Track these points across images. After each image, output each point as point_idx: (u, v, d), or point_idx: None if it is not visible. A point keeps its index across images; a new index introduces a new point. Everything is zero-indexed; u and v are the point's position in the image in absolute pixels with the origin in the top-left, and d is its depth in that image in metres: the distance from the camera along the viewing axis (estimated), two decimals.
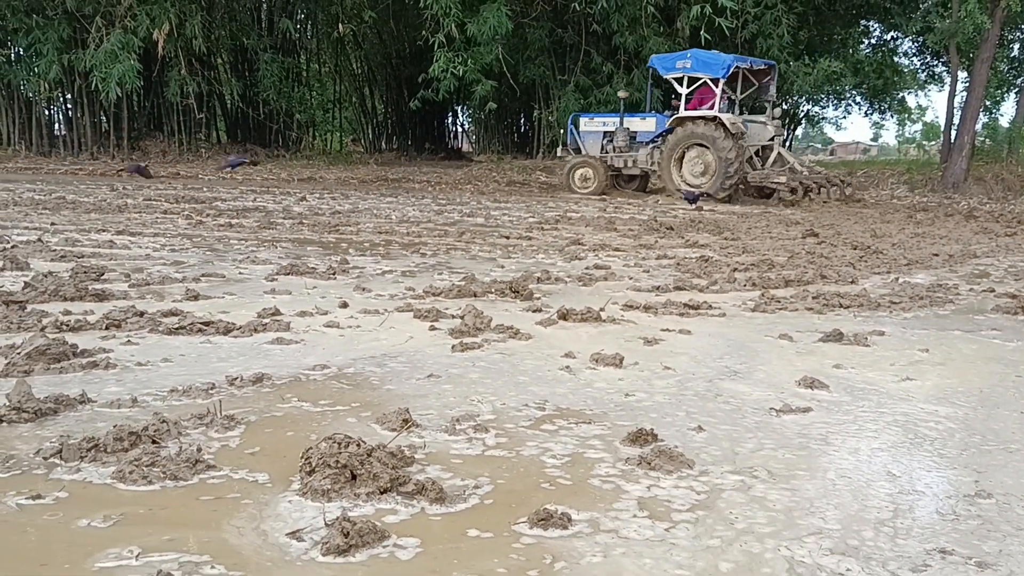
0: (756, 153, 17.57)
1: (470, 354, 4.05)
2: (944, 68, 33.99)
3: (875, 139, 72.49)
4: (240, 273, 6.37)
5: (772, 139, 17.63)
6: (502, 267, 7.23)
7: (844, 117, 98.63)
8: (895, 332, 4.95)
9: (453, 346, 4.16)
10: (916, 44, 33.82)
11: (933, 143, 40.70)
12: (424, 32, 22.32)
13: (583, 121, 19.47)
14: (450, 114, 37.28)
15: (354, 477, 2.38)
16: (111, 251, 7.28)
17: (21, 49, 24.56)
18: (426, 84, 23.74)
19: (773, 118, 17.80)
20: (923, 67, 37.51)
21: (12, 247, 7.10)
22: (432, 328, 4.60)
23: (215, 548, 2.02)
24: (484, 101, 23.12)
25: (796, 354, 4.33)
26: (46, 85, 24.18)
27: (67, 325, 4.27)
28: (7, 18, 23.21)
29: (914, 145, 48.99)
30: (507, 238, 9.56)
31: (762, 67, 17.67)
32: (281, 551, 2.03)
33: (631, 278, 6.81)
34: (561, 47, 27.41)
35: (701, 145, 16.88)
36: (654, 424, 3.00)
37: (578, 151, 19.17)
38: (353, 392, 3.37)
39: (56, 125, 27.51)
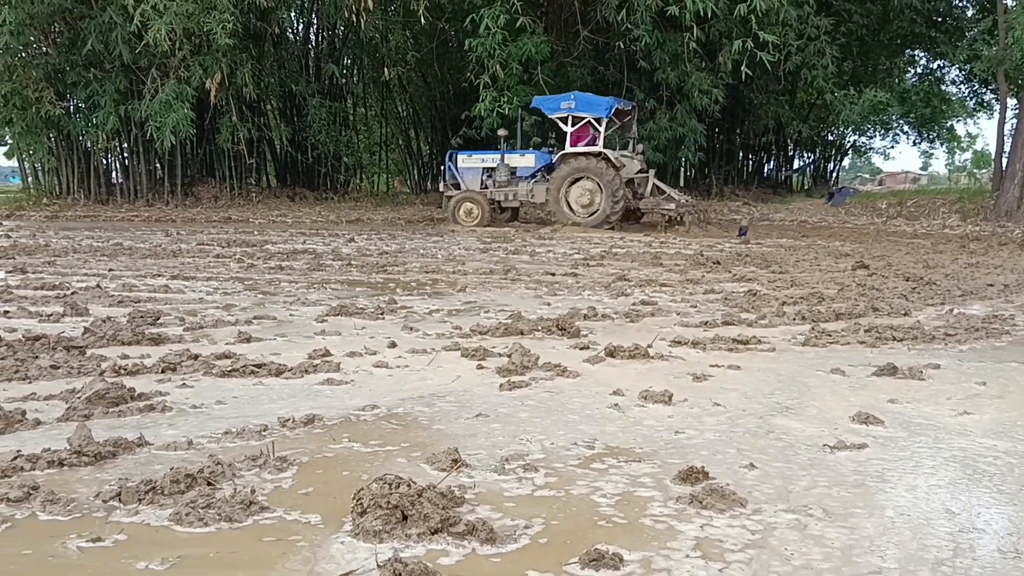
0: (628, 184, 18.94)
1: (518, 393, 4.06)
2: (993, 96, 33.47)
3: (925, 168, 71.44)
4: (291, 315, 6.47)
5: (640, 171, 19.18)
6: (548, 304, 7.24)
7: (892, 147, 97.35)
8: (951, 365, 4.85)
9: (501, 385, 4.17)
10: (963, 72, 33.40)
11: (984, 171, 39.98)
12: (468, 74, 22.65)
13: (461, 158, 20.48)
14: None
15: (405, 518, 2.39)
16: (166, 295, 7.45)
17: (81, 101, 25.41)
18: (469, 123, 24.02)
19: (637, 153, 19.51)
20: (971, 95, 36.99)
21: (72, 293, 7.30)
22: (479, 367, 4.62)
23: None
24: (529, 136, 23.36)
25: (849, 389, 4.27)
26: (104, 135, 24.97)
27: (125, 369, 4.37)
28: (67, 72, 24.05)
29: (965, 173, 48.22)
30: (552, 275, 9.58)
31: (629, 108, 19.35)
32: None
33: (679, 313, 6.77)
34: (603, 84, 27.58)
35: (587, 178, 18.29)
36: (705, 462, 2.97)
37: (457, 186, 20.15)
38: (403, 432, 3.40)
39: (113, 173, 28.29)
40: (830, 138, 39.56)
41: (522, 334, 5.62)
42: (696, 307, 7.15)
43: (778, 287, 8.60)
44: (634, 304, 7.20)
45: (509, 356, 4.68)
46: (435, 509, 2.41)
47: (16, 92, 23.16)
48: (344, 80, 30.15)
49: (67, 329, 5.51)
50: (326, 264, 10.49)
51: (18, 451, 2.94)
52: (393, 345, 5.17)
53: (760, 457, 3.11)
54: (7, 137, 27.30)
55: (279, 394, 4.01)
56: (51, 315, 6.09)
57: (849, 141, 39.84)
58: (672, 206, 18.42)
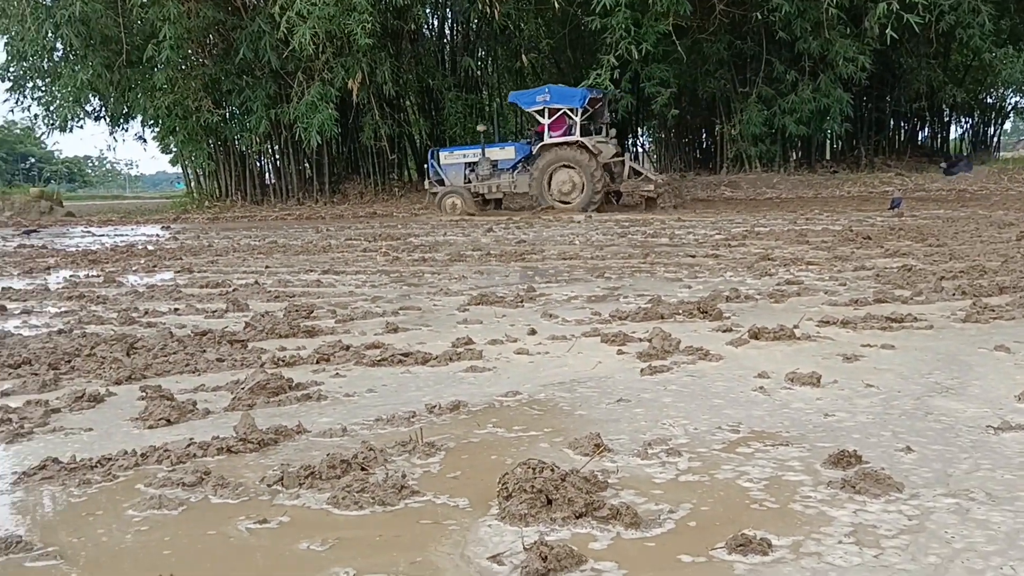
0: (605, 168, 19.74)
1: (659, 377, 4.03)
2: None
3: None
4: (434, 305, 6.65)
5: (616, 155, 20.24)
6: (689, 287, 7.13)
7: None
8: None
9: (642, 369, 4.16)
10: None
11: None
12: (600, 56, 22.51)
13: (443, 155, 21.50)
14: (630, 135, 37.21)
15: (550, 502, 2.43)
16: (318, 289, 7.81)
17: (235, 108, 26.91)
18: None
19: (611, 138, 20.60)
20: None
21: (233, 290, 7.76)
22: (620, 352, 4.62)
23: (421, 570, 2.13)
24: (666, 111, 23.01)
25: (1015, 367, 4.01)
26: (256, 139, 26.36)
27: (283, 360, 4.62)
28: (222, 81, 25.51)
29: None
30: (693, 257, 9.42)
31: (599, 96, 20.12)
32: (483, 574, 2.10)
33: (827, 292, 6.53)
34: (741, 59, 26.79)
35: (567, 166, 19.28)
36: (857, 445, 2.87)
37: (441, 182, 21.11)
38: (545, 418, 3.44)
39: (266, 175, 29.85)
40: (989, 101, 36.93)
41: (663, 318, 5.56)
42: (845, 285, 6.87)
43: (935, 261, 8.14)
44: (779, 284, 6.99)
45: (650, 341, 4.65)
46: (579, 493, 2.44)
47: (178, 103, 24.76)
48: (479, 72, 30.55)
49: (230, 324, 5.87)
50: (466, 254, 10.70)
51: (191, 439, 3.17)
52: (533, 332, 5.24)
53: (917, 440, 2.97)
54: (171, 145, 29.23)
55: (425, 382, 4.14)
56: (215, 311, 6.50)
57: (1010, 103, 37.04)
58: (651, 187, 19.48)
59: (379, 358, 4.58)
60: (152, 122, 28.25)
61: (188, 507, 2.60)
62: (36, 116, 28.42)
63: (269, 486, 2.73)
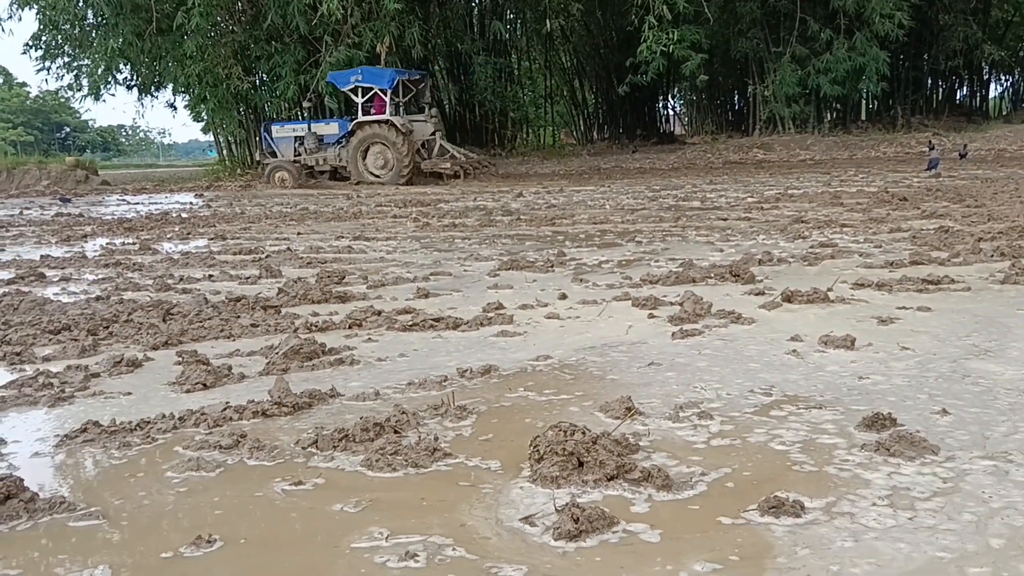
0: (423, 145, 21.36)
1: (691, 341, 4.02)
2: None
3: None
4: (465, 270, 6.66)
5: (433, 133, 21.53)
6: (721, 251, 7.08)
7: None
8: None
9: (673, 333, 4.14)
10: None
11: None
12: (632, 17, 22.20)
13: (275, 129, 22.82)
14: (660, 98, 36.82)
15: (581, 464, 2.44)
16: (350, 255, 7.85)
17: (264, 74, 26.93)
18: (634, 69, 23.60)
19: (431, 116, 21.93)
20: None
21: (266, 256, 7.83)
22: (651, 316, 4.60)
23: (455, 531, 2.15)
24: (695, 76, 22.70)
25: None
26: (286, 104, 26.38)
27: (316, 326, 4.66)
28: (251, 48, 25.52)
29: None
30: (725, 220, 9.34)
31: (417, 77, 21.78)
32: (516, 535, 2.12)
33: (861, 255, 6.44)
34: (775, 17, 26.29)
35: (379, 143, 20.66)
36: (892, 408, 2.84)
37: (274, 155, 22.37)
38: (576, 382, 3.45)
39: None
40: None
41: (694, 282, 5.53)
42: (881, 247, 6.78)
43: (973, 222, 8.00)
44: (812, 247, 6.91)
45: (681, 304, 4.63)
46: (610, 456, 2.45)
47: (208, 71, 24.81)
48: (508, 35, 30.29)
49: (263, 290, 5.92)
50: (496, 220, 10.69)
51: (227, 403, 3.21)
52: (564, 297, 5.23)
53: (954, 403, 2.94)
54: (202, 113, 29.40)
55: (456, 346, 4.16)
56: (249, 277, 6.56)
57: None
58: (447, 164, 20.94)
59: (410, 323, 4.60)
60: (183, 90, 28.39)
61: (225, 469, 2.65)
62: (69, 86, 28.63)
63: (304, 449, 2.77)
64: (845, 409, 2.93)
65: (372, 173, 20.77)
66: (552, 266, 6.55)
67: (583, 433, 2.52)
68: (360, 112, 20.98)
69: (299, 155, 21.97)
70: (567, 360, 3.78)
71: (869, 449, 2.53)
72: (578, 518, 2.10)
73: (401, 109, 21.42)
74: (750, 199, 11.85)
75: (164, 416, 3.09)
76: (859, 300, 4.77)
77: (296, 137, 22.20)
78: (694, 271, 5.76)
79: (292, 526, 2.26)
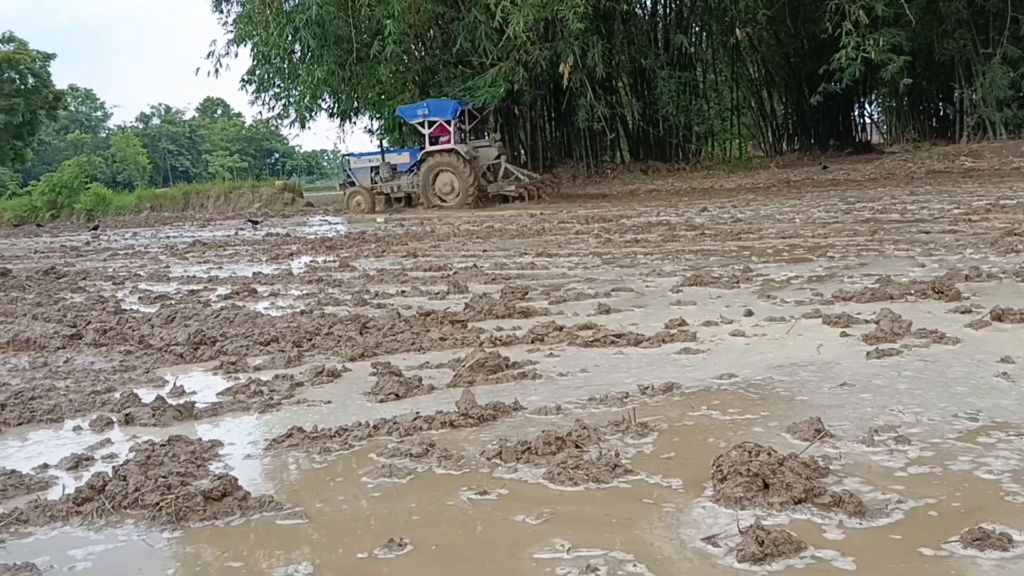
0: (488, 169, 22.75)
1: (888, 361, 3.81)
2: None
3: None
4: (647, 286, 6.62)
5: (497, 157, 22.85)
6: (922, 266, 6.65)
7: None
8: None
9: (868, 353, 3.94)
10: None
11: None
12: (826, 24, 21.32)
13: (352, 160, 24.82)
14: (856, 106, 35.06)
15: (766, 486, 2.38)
16: (532, 272, 7.99)
17: (451, 96, 27.96)
18: (827, 76, 22.64)
19: (495, 141, 23.38)
20: None
21: (454, 273, 8.11)
22: (843, 334, 4.40)
23: (636, 548, 2.15)
24: (897, 80, 21.47)
25: None
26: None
27: (500, 340, 4.79)
28: (439, 71, 26.55)
29: None
30: (927, 233, 8.76)
31: (477, 107, 23.03)
32: (698, 555, 2.10)
33: None
34: (983, 17, 24.44)
35: (446, 170, 22.12)
36: None
37: (352, 184, 24.37)
38: (762, 402, 3.35)
39: None
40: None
41: (891, 299, 5.23)
42: None
43: None
44: None
45: (877, 323, 4.40)
46: (798, 479, 2.37)
47: (391, 96, 26.16)
48: (693, 48, 29.86)
49: (451, 305, 6.14)
50: (679, 235, 10.56)
51: (417, 413, 3.36)
52: (750, 313, 5.10)
53: None
54: (384, 140, 30.93)
55: (637, 363, 4.15)
56: (438, 293, 6.83)
57: None
58: (512, 188, 22.05)
59: (592, 339, 4.63)
60: (377, 115, 29.90)
61: (415, 476, 2.77)
62: (278, 115, 30.79)
63: (488, 459, 2.85)
64: None
65: (441, 198, 22.24)
66: (738, 282, 6.40)
67: (769, 454, 2.45)
68: (428, 142, 22.55)
69: (375, 183, 23.78)
70: (753, 379, 3.68)
71: None
72: (763, 541, 2.05)
73: (467, 136, 22.87)
74: (956, 210, 11.05)
75: (360, 424, 3.28)
76: None
77: (372, 167, 24.03)
78: (892, 287, 5.45)
79: (478, 534, 2.34)
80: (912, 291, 5.34)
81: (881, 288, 5.45)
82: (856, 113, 35.28)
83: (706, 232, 10.60)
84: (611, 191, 23.60)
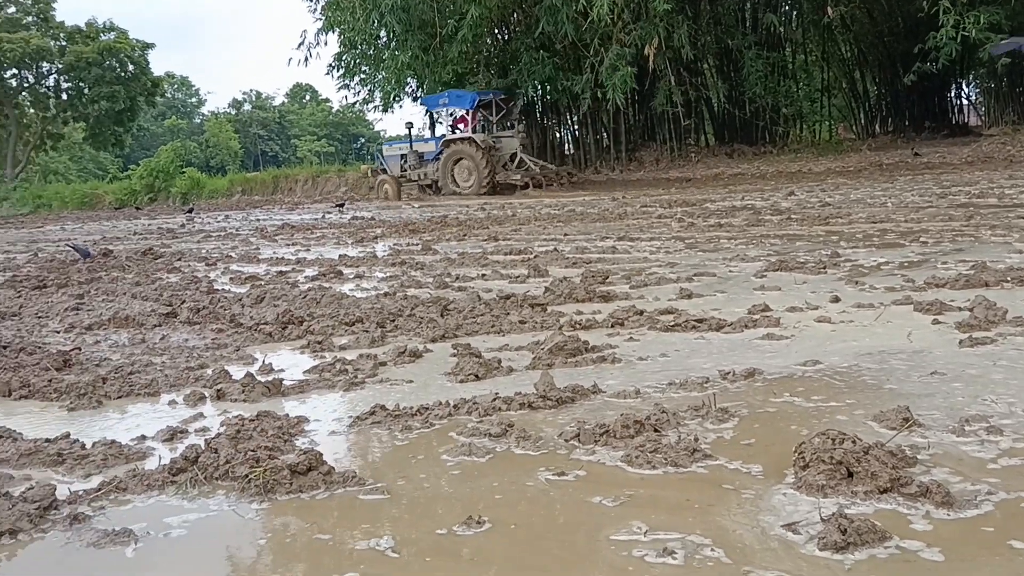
0: (512, 158, 23.38)
1: (982, 350, 3.68)
2: None
3: None
4: (730, 271, 6.52)
5: (519, 147, 23.62)
6: (1020, 252, 6.38)
7: None
8: None
9: (961, 341, 3.81)
10: None
11: None
12: (922, 1, 20.52)
13: (385, 148, 26.48)
14: (952, 87, 33.65)
15: (850, 474, 2.33)
16: (613, 256, 7.96)
17: (536, 81, 27.94)
18: (922, 56, 21.80)
19: (518, 132, 24.13)
20: None
21: (535, 257, 8.14)
22: (935, 322, 4.26)
23: (714, 532, 2.14)
24: (995, 60, 20.56)
25: None
26: (559, 110, 27.22)
27: (580, 324, 4.79)
28: (521, 54, 26.55)
29: None
30: None
31: (505, 96, 24.33)
32: (777, 542, 2.07)
33: None
34: None
35: (464, 158, 23.03)
36: None
37: (384, 171, 25.39)
38: (847, 389, 3.28)
39: (565, 145, 30.77)
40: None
41: (987, 286, 5.04)
42: None
43: None
44: None
45: (971, 310, 4.25)
46: (883, 468, 2.31)
47: (465, 77, 26.32)
48: (782, 28, 29.11)
49: (531, 288, 6.17)
50: (765, 219, 10.35)
51: (496, 393, 3.40)
52: (836, 299, 4.98)
53: None
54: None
55: (719, 348, 4.10)
56: (518, 276, 6.87)
57: None
58: (517, 177, 22.76)
59: (672, 323, 4.60)
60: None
61: (494, 456, 2.81)
62: (364, 100, 31.26)
63: (566, 441, 2.87)
64: None
65: (459, 185, 23.24)
66: (824, 267, 6.25)
67: (854, 442, 2.40)
68: (449, 131, 23.85)
69: (404, 171, 24.81)
70: (838, 366, 3.60)
71: None
72: (846, 529, 2.01)
73: (493, 127, 23.82)
74: None
75: (441, 403, 3.34)
76: None
77: (401, 155, 24.98)
78: (987, 274, 5.25)
79: (555, 514, 2.36)
80: (1008, 278, 5.14)
81: (976, 275, 5.25)
82: (952, 94, 33.85)
83: (792, 216, 10.37)
84: (695, 175, 23.24)
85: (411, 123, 25.80)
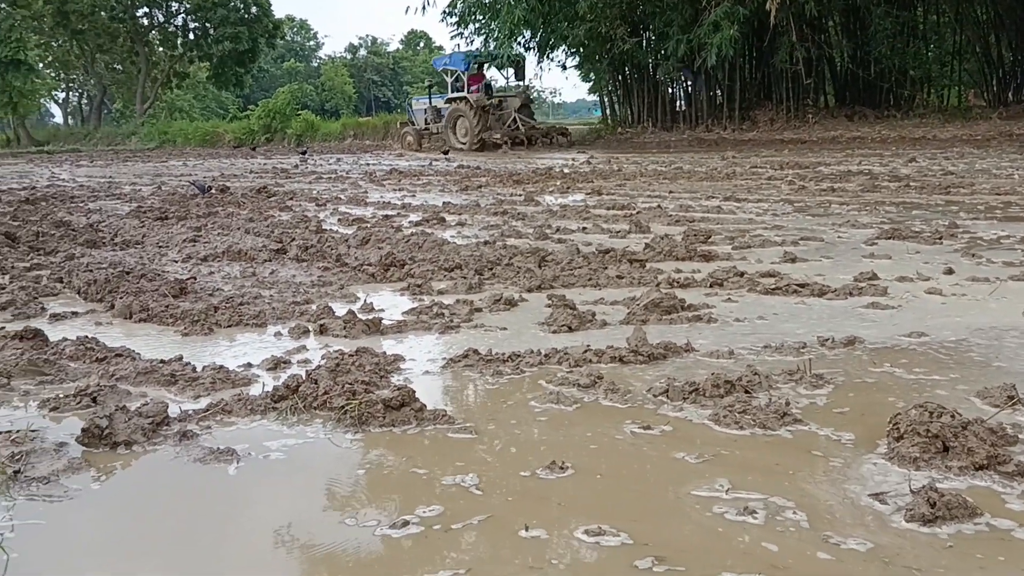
0: (515, 120, 24.96)
1: None
2: None
3: None
4: (839, 237, 6.33)
5: (520, 107, 25.26)
6: None
7: None
8: None
9: None
10: None
11: None
12: None
13: (414, 102, 28.66)
14: None
15: (946, 448, 2.27)
16: (718, 216, 7.81)
17: (652, 35, 27.35)
18: None
19: (521, 92, 26.02)
20: None
21: (637, 212, 8.06)
22: None
23: (798, 496, 2.13)
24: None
25: None
26: (672, 65, 26.58)
27: (678, 282, 4.75)
28: (640, 6, 26.00)
29: None
30: None
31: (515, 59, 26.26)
32: (862, 510, 2.05)
33: None
34: None
35: (462, 116, 24.69)
36: None
37: (412, 123, 27.41)
38: (953, 364, 3.17)
39: (677, 101, 30.10)
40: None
41: None
42: None
43: None
44: None
45: None
46: (981, 444, 2.25)
47: (594, 31, 25.82)
48: None
49: (631, 244, 6.13)
50: (881, 185, 9.95)
51: (588, 346, 3.42)
52: (950, 271, 4.78)
53: None
54: (591, 73, 30.65)
55: (819, 314, 4.01)
56: (619, 232, 6.83)
57: None
58: (497, 136, 24.26)
59: (773, 287, 4.51)
60: (573, 51, 29.75)
61: (582, 406, 2.84)
62: (478, 50, 31.25)
63: (655, 396, 2.88)
64: None
65: (460, 141, 24.62)
66: (940, 238, 5.99)
67: (952, 416, 2.34)
68: (450, 90, 25.84)
69: (427, 125, 26.64)
70: (945, 340, 3.47)
71: None
72: (935, 503, 1.97)
73: (492, 87, 25.61)
74: None
75: (532, 352, 3.38)
76: None
77: (424, 110, 27.05)
78: None
79: (637, 466, 2.38)
80: None
81: None
82: None
83: (912, 184, 9.93)
84: (811, 136, 22.44)
85: (432, 83, 28.15)
